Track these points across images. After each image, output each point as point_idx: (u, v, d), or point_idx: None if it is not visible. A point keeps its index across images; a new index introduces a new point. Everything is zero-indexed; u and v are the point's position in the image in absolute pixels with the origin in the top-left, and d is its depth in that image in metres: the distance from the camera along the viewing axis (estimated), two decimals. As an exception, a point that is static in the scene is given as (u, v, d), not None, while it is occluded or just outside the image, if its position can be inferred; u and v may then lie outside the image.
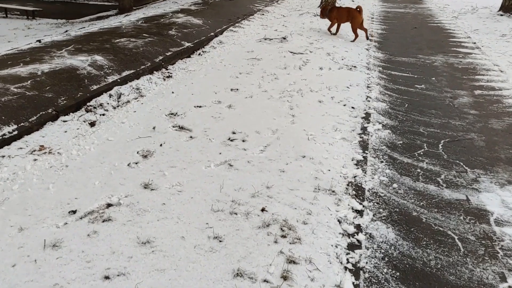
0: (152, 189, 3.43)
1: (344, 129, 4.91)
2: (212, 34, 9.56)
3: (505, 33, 10.60)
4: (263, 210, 3.23)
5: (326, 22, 10.99)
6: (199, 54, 8.22)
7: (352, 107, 5.58)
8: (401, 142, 4.65)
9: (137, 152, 4.03)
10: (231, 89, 5.96)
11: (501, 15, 12.51)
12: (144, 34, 8.40)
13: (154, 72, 6.81)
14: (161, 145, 4.18)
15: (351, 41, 9.26)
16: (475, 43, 9.54)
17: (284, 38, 9.04)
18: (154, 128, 4.56)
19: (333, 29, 9.92)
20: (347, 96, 5.91)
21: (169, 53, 7.70)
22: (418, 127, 5.03)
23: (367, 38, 9.52)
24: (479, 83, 6.76)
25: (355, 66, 7.37)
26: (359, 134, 4.81)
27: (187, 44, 8.44)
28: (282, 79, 6.47)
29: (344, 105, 5.65)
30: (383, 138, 4.75)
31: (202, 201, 3.30)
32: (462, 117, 5.36)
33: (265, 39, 9.03)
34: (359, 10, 9.13)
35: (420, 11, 14.11)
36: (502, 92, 6.33)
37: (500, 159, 4.29)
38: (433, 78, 6.86)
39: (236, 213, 3.17)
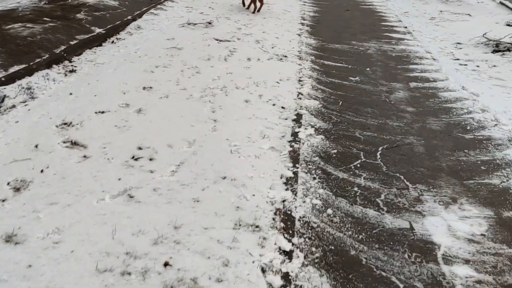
0: (16, 243, 2.55)
1: (273, 136, 4.24)
2: (129, 17, 8.45)
3: (434, 16, 10.41)
4: (166, 265, 2.49)
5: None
6: (112, 42, 7.15)
7: (282, 107, 4.92)
8: (335, 151, 4.05)
9: (8, 184, 3.10)
10: (144, 88, 5.07)
11: (430, -3, 12.36)
12: (45, 18, 7.18)
13: (54, 66, 5.73)
14: (42, 171, 3.27)
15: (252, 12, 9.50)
16: (406, 27, 9.22)
17: (210, 23, 8.15)
18: (37, 146, 3.61)
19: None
20: (277, 94, 5.22)
21: (75, 41, 6.59)
22: (353, 130, 4.47)
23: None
24: (413, 74, 6.35)
25: (286, 56, 6.69)
26: (290, 141, 4.17)
27: (98, 31, 7.33)
28: (204, 73, 5.65)
29: (274, 104, 4.97)
30: (316, 146, 4.13)
31: (85, 256, 2.49)
32: (400, 116, 4.87)
33: (188, 24, 8.09)
34: None
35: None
36: (437, 84, 5.95)
37: (441, 169, 3.82)
38: (368, 69, 6.36)
39: (129, 273, 2.40)
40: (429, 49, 7.66)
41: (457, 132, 4.50)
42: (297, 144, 4.14)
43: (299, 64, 6.46)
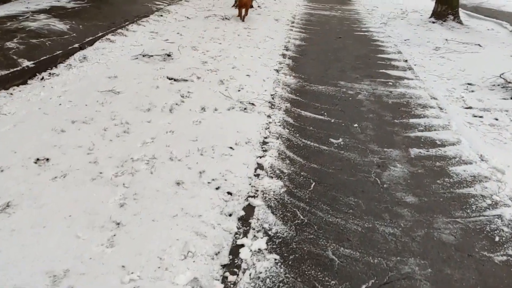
0: None
1: (201, 253, 2.73)
2: (76, 46, 6.98)
3: (438, 46, 8.93)
4: None
5: (233, 28, 8.77)
6: (42, 78, 5.69)
7: (229, 193, 3.38)
8: (291, 294, 2.50)
9: None
10: (37, 160, 3.55)
11: (433, 22, 10.92)
12: (-45, 49, 5.68)
13: None
14: None
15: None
16: (406, 60, 7.72)
17: (169, 55, 6.65)
18: None
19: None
20: (226, 168, 3.70)
21: (-18, 80, 5.08)
22: (325, 244, 2.92)
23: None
24: (415, 133, 4.82)
25: (253, 104, 5.17)
26: (223, 267, 2.61)
27: (25, 64, 5.86)
28: (135, 133, 4.13)
29: (218, 188, 3.44)
30: (263, 280, 2.56)
31: None
32: (395, 214, 3.33)
33: (143, 56, 6.59)
34: None
35: (347, 14, 12.24)
36: (446, 151, 4.41)
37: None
38: (356, 125, 4.83)
39: None
40: (434, 92, 6.14)
41: (481, 249, 2.94)
42: (233, 275, 2.58)
43: (268, 116, 4.94)
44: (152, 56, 6.62)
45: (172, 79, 5.79)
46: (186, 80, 5.78)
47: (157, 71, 6.03)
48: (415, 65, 7.57)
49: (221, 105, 5.05)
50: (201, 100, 5.15)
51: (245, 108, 5.05)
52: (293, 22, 10.44)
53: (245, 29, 9.22)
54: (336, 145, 4.39)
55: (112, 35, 7.83)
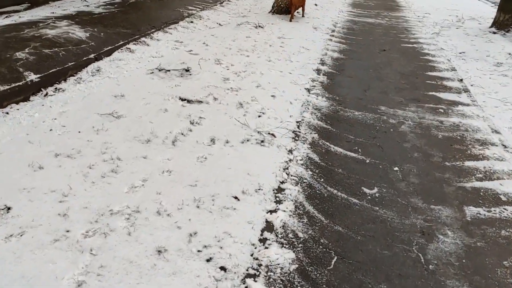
0: None
1: None
2: (91, 56, 6.41)
3: (500, 61, 7.70)
4: None
5: (266, 37, 7.97)
6: (46, 94, 5.14)
7: (222, 268, 2.61)
8: None
9: None
10: (-4, 210, 2.87)
11: (494, 32, 9.60)
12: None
13: None
14: None
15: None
16: (461, 80, 6.59)
17: (187, 70, 5.92)
18: None
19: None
20: (224, 230, 2.90)
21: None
22: None
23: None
24: (471, 182, 3.81)
25: (272, 135, 4.32)
26: None
27: (31, 77, 5.35)
28: (124, 173, 3.42)
29: (209, 259, 2.71)
30: None
31: None
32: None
33: (160, 70, 5.90)
34: None
35: (394, 22, 11.10)
36: (515, 211, 3.37)
37: None
38: (396, 168, 3.89)
39: None
40: (496, 123, 5.05)
41: None
42: None
43: (289, 151, 4.09)
44: (169, 71, 5.92)
45: (185, 100, 5.05)
46: (201, 102, 5.02)
47: (171, 90, 5.31)
48: (472, 85, 6.44)
49: (234, 136, 4.24)
50: (212, 128, 4.37)
51: (262, 141, 4.22)
52: (333, 31, 9.48)
53: (279, 38, 8.38)
54: (369, 197, 3.47)
55: (134, 43, 7.23)
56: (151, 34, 7.94)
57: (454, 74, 6.90)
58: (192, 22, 9.26)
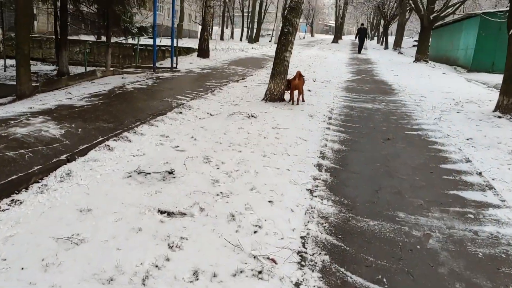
0: None
1: None
2: (63, 157, 5.61)
3: (515, 149, 6.97)
4: None
5: (259, 128, 7.31)
6: (-3, 209, 4.15)
7: None
8: None
9: None
10: None
11: (499, 117, 9.09)
12: None
13: None
14: None
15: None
16: (480, 173, 5.80)
17: (171, 173, 5.09)
18: None
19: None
20: None
21: None
22: None
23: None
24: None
25: (273, 261, 3.37)
26: None
27: (-19, 189, 4.40)
28: None
29: None
30: None
31: None
32: None
33: (139, 173, 5.06)
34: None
35: (392, 106, 10.65)
36: None
37: None
38: (438, 310, 2.87)
39: None
40: (539, 231, 4.13)
41: None
42: None
43: (295, 286, 3.08)
44: (149, 173, 5.09)
45: (165, 212, 4.15)
46: (184, 215, 4.12)
47: (149, 199, 4.43)
48: (493, 179, 5.66)
49: (224, 265, 3.28)
50: (196, 254, 3.42)
51: (260, 272, 3.26)
52: (330, 118, 8.90)
53: (274, 128, 7.73)
54: None
55: (114, 140, 6.50)
56: (135, 128, 7.25)
57: (470, 167, 6.14)
58: (181, 113, 8.67)
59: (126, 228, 3.81)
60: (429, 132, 8.17)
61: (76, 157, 5.79)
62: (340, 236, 4.01)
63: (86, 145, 6.25)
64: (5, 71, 19.01)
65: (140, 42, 18.85)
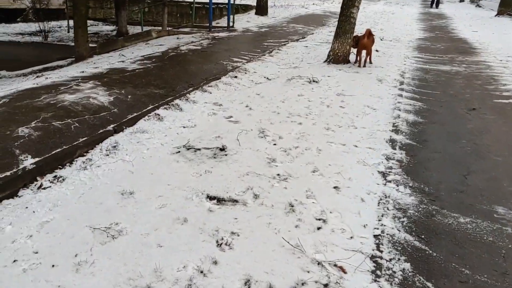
0: None
1: None
2: (110, 128, 5.25)
3: None
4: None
5: (322, 95, 6.52)
6: (40, 186, 3.97)
7: None
8: None
9: None
10: None
11: None
12: None
13: None
14: None
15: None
16: None
17: (222, 149, 4.52)
18: None
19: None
20: None
21: None
22: None
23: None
24: None
25: (341, 268, 2.75)
26: None
27: (25, 163, 4.22)
28: None
29: None
30: None
31: None
32: None
33: (188, 149, 4.55)
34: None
35: (474, 69, 9.28)
36: None
37: None
38: None
39: None
40: None
41: None
42: None
43: None
44: (199, 149, 4.56)
45: (214, 198, 3.61)
46: (235, 202, 3.54)
47: (198, 180, 3.90)
48: None
49: (281, 274, 2.69)
50: (248, 258, 2.85)
51: (326, 285, 2.61)
52: (402, 83, 7.85)
53: (338, 95, 6.88)
54: None
55: (165, 108, 6.02)
56: (187, 95, 6.72)
57: None
58: (236, 77, 8.01)
59: (170, 217, 3.31)
60: (523, 99, 6.92)
61: (124, 127, 5.37)
62: (423, 237, 3.25)
63: (135, 114, 5.83)
64: (68, 31, 19.23)
65: (197, 0, 18.18)
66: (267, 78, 8.17)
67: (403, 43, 12.85)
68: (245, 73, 8.38)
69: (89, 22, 22.79)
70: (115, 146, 4.86)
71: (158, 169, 4.20)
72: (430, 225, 3.42)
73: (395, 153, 4.82)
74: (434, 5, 26.49)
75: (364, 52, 8.90)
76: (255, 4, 20.04)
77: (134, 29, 18.08)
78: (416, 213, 3.60)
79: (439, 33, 15.71)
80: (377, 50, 10.75)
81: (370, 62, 9.09)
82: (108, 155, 4.64)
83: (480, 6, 29.25)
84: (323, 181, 4.06)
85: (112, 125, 5.40)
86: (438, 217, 3.54)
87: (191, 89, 7.12)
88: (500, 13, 20.41)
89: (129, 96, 6.42)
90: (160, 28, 14.89)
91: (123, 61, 8.71)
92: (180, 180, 3.96)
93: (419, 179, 4.22)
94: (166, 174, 4.09)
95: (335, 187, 3.96)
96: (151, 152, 4.64)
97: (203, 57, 9.54)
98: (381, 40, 12.91)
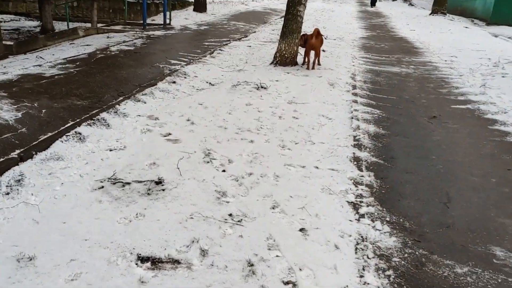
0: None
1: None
2: (14, 155, 4.22)
3: None
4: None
5: (272, 103, 5.72)
6: None
7: None
8: None
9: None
10: None
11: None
12: None
13: None
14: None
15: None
16: None
17: (159, 183, 3.55)
18: None
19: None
20: None
21: None
22: None
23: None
24: None
25: None
26: None
27: None
28: None
29: None
30: None
31: None
32: None
33: (114, 182, 3.53)
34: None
35: (423, 70, 8.95)
36: None
37: None
38: None
39: None
40: None
41: None
42: None
43: None
44: (129, 183, 3.53)
45: (148, 260, 2.66)
46: (177, 263, 2.64)
47: (127, 229, 2.94)
48: None
49: None
50: None
51: None
52: (355, 87, 7.26)
53: (290, 104, 6.13)
54: None
55: (88, 124, 4.95)
56: (117, 106, 5.66)
57: (554, 158, 4.57)
58: (174, 82, 7.01)
59: (83, 299, 2.30)
60: (480, 105, 6.57)
61: (34, 153, 4.25)
62: (419, 301, 2.50)
63: (50, 134, 4.72)
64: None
65: (130, -5, 16.70)
66: (210, 83, 7.25)
67: (347, 42, 12.42)
68: (185, 77, 7.39)
69: (9, 16, 20.40)
70: (19, 181, 3.75)
71: (73, 215, 3.16)
72: (423, 280, 2.71)
73: (362, 176, 4.11)
74: (370, 4, 26.71)
75: (312, 53, 8.21)
76: (193, 0, 18.88)
77: (61, 26, 16.24)
78: (403, 262, 2.88)
79: (380, 32, 15.55)
80: (323, 50, 10.14)
81: (319, 64, 8.44)
82: (8, 193, 3.53)
83: (412, 5, 30.07)
84: (286, 221, 3.24)
85: (17, 151, 4.23)
86: (430, 267, 2.84)
87: (121, 98, 6.04)
88: (434, 11, 20.85)
89: (44, 111, 5.24)
90: (89, 24, 13.36)
91: (40, 65, 7.37)
92: (102, 231, 2.96)
93: (395, 210, 3.52)
94: (84, 223, 3.06)
95: (301, 229, 3.16)
96: (66, 188, 3.57)
97: (137, 59, 8.40)
98: (325, 38, 12.34)
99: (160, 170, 3.84)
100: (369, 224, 3.34)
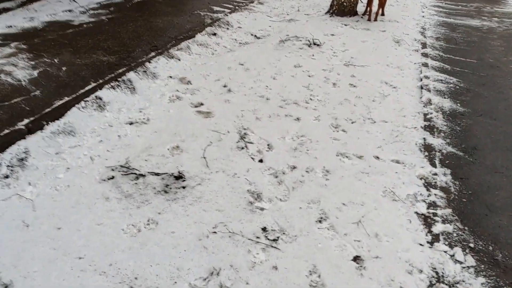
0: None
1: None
2: (21, 126, 3.69)
3: None
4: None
5: (326, 64, 4.72)
6: None
7: None
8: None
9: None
10: None
11: None
12: None
13: None
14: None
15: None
16: None
17: (179, 177, 2.83)
18: None
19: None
20: None
21: None
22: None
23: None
24: None
25: None
26: None
27: None
28: None
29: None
30: None
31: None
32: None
33: (126, 173, 2.87)
34: None
35: (508, 24, 7.38)
36: None
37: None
38: None
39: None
40: None
41: None
42: None
43: None
44: (143, 176, 2.82)
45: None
46: None
47: (132, 245, 2.32)
48: None
49: None
50: None
51: None
52: (424, 45, 6.02)
53: (346, 66, 5.10)
54: None
55: (111, 87, 4.23)
56: (147, 63, 4.90)
57: None
58: (215, 34, 6.09)
59: None
60: None
61: (44, 123, 3.62)
62: None
63: (66, 99, 4.04)
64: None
65: None
66: (255, 36, 6.27)
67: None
68: (227, 28, 6.44)
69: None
70: (22, 160, 3.16)
71: (72, 218, 2.52)
72: None
73: (435, 174, 3.17)
74: None
75: (376, 2, 6.92)
76: None
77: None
78: (496, 323, 2.01)
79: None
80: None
81: (383, 14, 7.15)
82: (7, 177, 2.95)
83: None
84: (336, 243, 2.44)
85: (26, 120, 3.64)
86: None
87: (153, 54, 5.27)
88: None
89: (64, 69, 4.58)
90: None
91: (71, 10, 6.67)
92: (103, 245, 2.31)
93: (482, 231, 2.62)
94: (82, 231, 2.42)
95: (355, 258, 2.35)
96: (71, 176, 2.92)
97: (175, 5, 7.48)
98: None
99: (182, 159, 3.09)
100: (446, 252, 2.48)
